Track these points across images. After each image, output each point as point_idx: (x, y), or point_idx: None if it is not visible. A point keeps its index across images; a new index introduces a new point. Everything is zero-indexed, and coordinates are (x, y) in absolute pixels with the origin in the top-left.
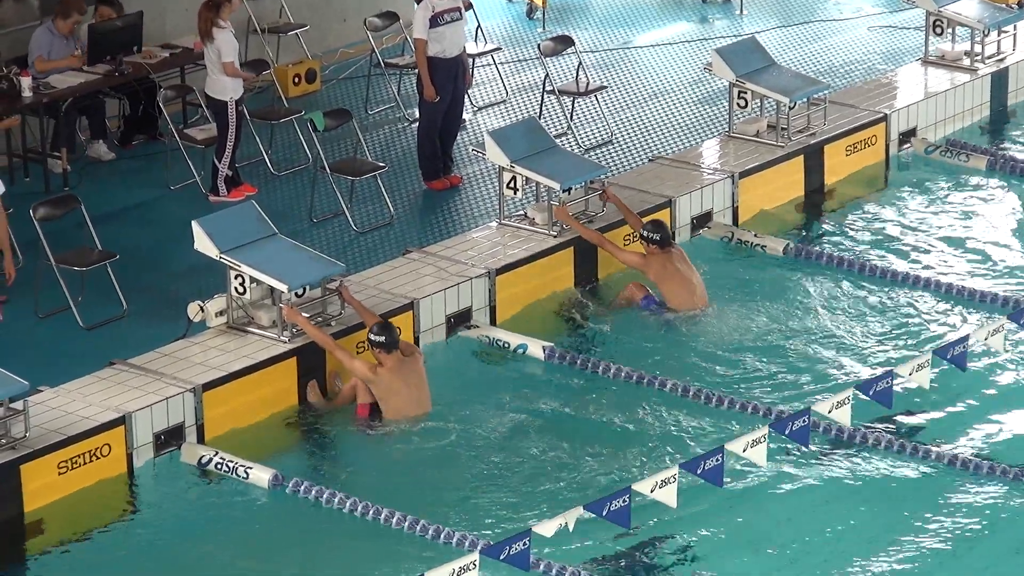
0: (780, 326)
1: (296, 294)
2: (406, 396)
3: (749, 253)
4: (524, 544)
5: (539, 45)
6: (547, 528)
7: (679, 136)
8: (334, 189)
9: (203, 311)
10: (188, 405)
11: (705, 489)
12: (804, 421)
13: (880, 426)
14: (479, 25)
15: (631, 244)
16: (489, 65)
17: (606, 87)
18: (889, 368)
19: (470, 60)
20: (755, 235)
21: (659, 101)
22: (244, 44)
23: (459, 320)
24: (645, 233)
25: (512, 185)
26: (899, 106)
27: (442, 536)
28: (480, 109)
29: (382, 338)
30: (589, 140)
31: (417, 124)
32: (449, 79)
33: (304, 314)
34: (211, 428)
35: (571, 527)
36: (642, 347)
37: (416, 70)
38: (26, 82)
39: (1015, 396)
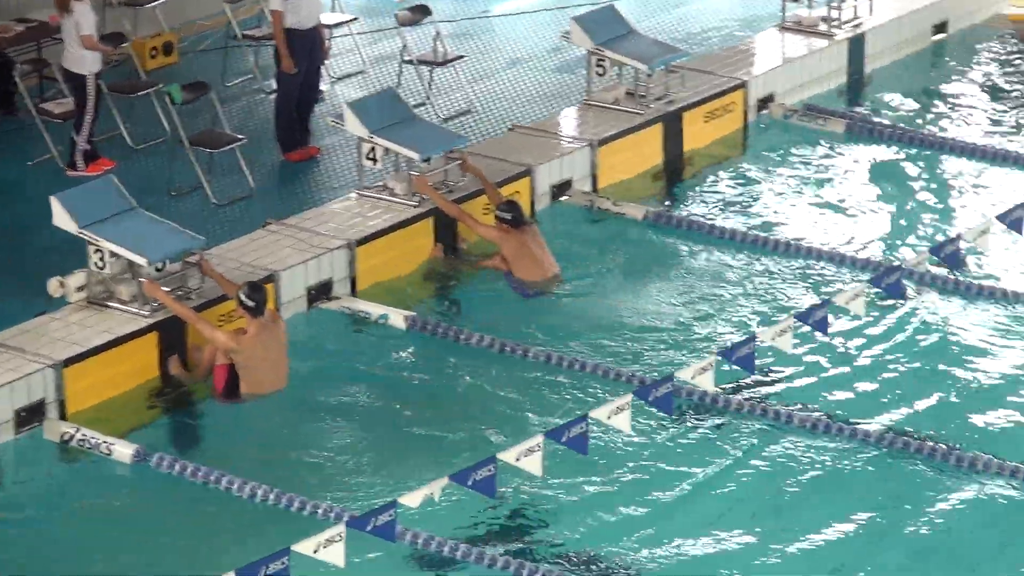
0: (641, 293)
1: (156, 268)
2: (266, 368)
3: (609, 220)
4: (390, 515)
5: (396, 15)
6: (413, 499)
7: (538, 105)
8: (193, 162)
9: (63, 286)
10: (49, 381)
11: (569, 456)
12: (667, 387)
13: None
14: None
15: (488, 215)
16: (346, 36)
17: (464, 56)
18: (751, 333)
19: (327, 31)
20: (615, 203)
21: (517, 70)
22: (101, 17)
23: (320, 292)
24: (499, 213)
25: (371, 156)
26: (757, 72)
27: (307, 508)
28: (338, 80)
29: (252, 302)
30: (448, 110)
31: (275, 96)
32: (306, 50)
33: (165, 288)
34: (73, 404)
35: (437, 497)
36: (504, 316)
37: (273, 42)
38: None
39: (876, 359)
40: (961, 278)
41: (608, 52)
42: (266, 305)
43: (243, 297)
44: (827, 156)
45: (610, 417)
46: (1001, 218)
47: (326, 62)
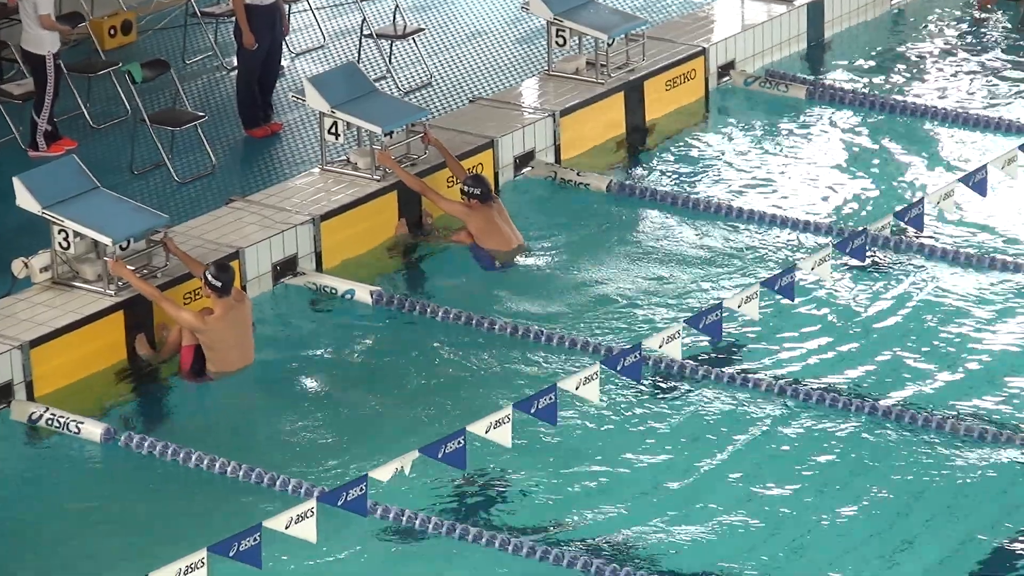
0: (607, 264)
1: (120, 247)
2: (232, 347)
3: (573, 191)
4: (361, 490)
5: None
6: (383, 473)
7: (498, 76)
8: (154, 140)
9: (27, 267)
10: (16, 362)
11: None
12: (635, 356)
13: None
14: None
15: (452, 188)
16: (305, 11)
17: (423, 29)
18: (718, 301)
19: (286, 6)
20: (578, 173)
21: (477, 42)
22: None
23: (285, 268)
24: (466, 188)
25: (333, 131)
26: (717, 39)
27: (278, 484)
28: (298, 55)
29: (220, 282)
30: (408, 83)
31: (236, 73)
32: (267, 26)
33: (129, 267)
34: (40, 385)
35: (408, 471)
36: (470, 289)
37: (232, 18)
38: None
39: (843, 323)
40: (933, 242)
41: (568, 22)
42: (232, 285)
43: (209, 278)
44: (789, 122)
45: (579, 387)
46: (964, 180)
47: (286, 38)
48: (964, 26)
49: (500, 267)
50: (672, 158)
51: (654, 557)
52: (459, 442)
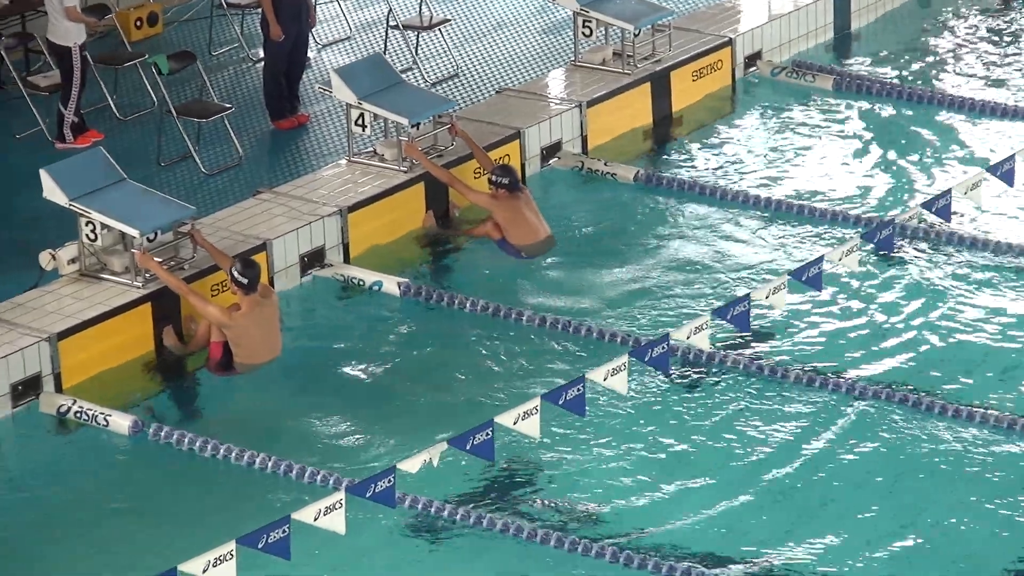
0: (635, 254)
1: (148, 239)
2: (259, 341)
3: (600, 182)
4: (389, 481)
5: None
6: (412, 464)
7: (525, 67)
8: (181, 132)
9: (55, 259)
10: (44, 354)
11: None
12: (663, 348)
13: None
14: None
15: (479, 179)
16: (332, 2)
17: (449, 20)
18: (746, 292)
19: None
20: (605, 163)
21: (503, 32)
22: None
23: (313, 259)
24: (494, 178)
25: (360, 122)
26: (743, 29)
27: (307, 476)
28: (324, 47)
29: (246, 279)
30: (435, 74)
31: (262, 64)
32: (293, 18)
33: (157, 259)
34: (68, 377)
35: (436, 463)
36: (498, 280)
37: (258, 9)
38: None
39: (874, 315)
40: (956, 231)
41: (594, 13)
42: (259, 281)
43: (236, 274)
44: (816, 112)
45: (607, 378)
46: (992, 170)
47: (312, 29)
48: (991, 14)
49: (526, 258)
50: (699, 148)
51: (681, 544)
52: (487, 433)
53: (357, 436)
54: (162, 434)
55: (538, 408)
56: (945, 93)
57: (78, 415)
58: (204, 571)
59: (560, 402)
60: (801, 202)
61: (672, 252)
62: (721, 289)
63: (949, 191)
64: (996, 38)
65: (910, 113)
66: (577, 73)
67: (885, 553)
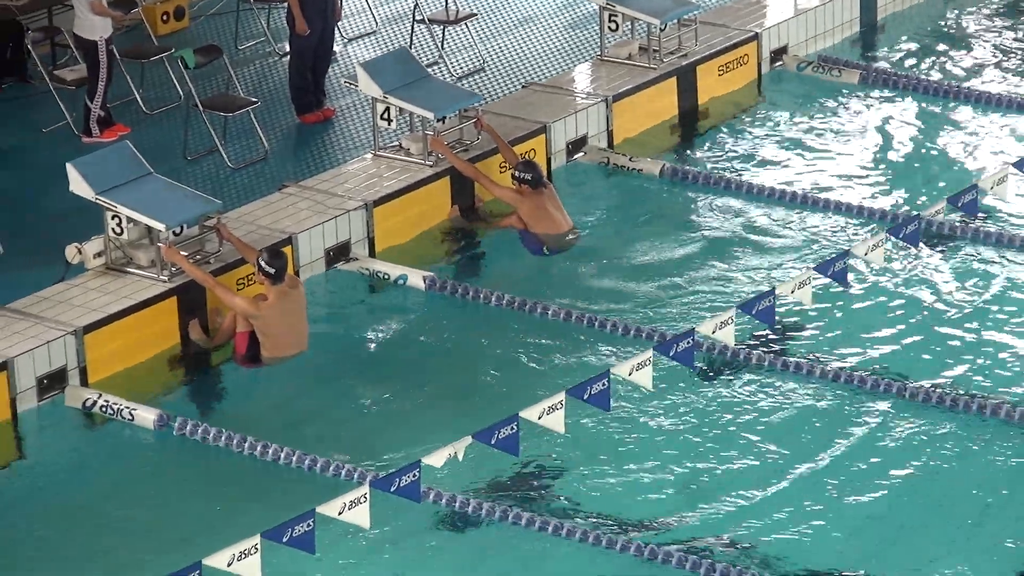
0: (660, 249)
1: (174, 233)
2: (286, 333)
3: (626, 176)
4: (414, 476)
5: None
6: (436, 459)
7: (551, 61)
8: (207, 126)
9: (81, 253)
10: (70, 348)
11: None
12: (688, 343)
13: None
14: None
15: (504, 174)
16: None
17: (476, 15)
18: (771, 287)
19: None
20: (631, 158)
21: (529, 27)
22: None
23: (338, 253)
24: (517, 173)
25: (386, 116)
26: (769, 24)
27: (331, 469)
28: (350, 40)
29: (273, 269)
30: (461, 68)
31: (288, 58)
32: (319, 12)
33: (183, 252)
34: (94, 371)
35: (460, 457)
36: (523, 274)
37: (284, 4)
38: None
39: (897, 310)
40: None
41: (620, 7)
42: (286, 271)
43: (263, 264)
44: (842, 107)
45: (631, 373)
46: (1018, 165)
47: (338, 23)
48: (1018, 9)
49: (549, 253)
50: (724, 143)
51: (707, 539)
52: (512, 428)
53: (382, 430)
54: (187, 428)
55: (563, 403)
56: (971, 88)
57: (103, 409)
58: (229, 565)
59: (585, 397)
60: (827, 196)
61: (697, 247)
62: (746, 283)
63: (975, 186)
64: (1022, 32)
65: (936, 108)
66: (603, 67)
67: (921, 550)
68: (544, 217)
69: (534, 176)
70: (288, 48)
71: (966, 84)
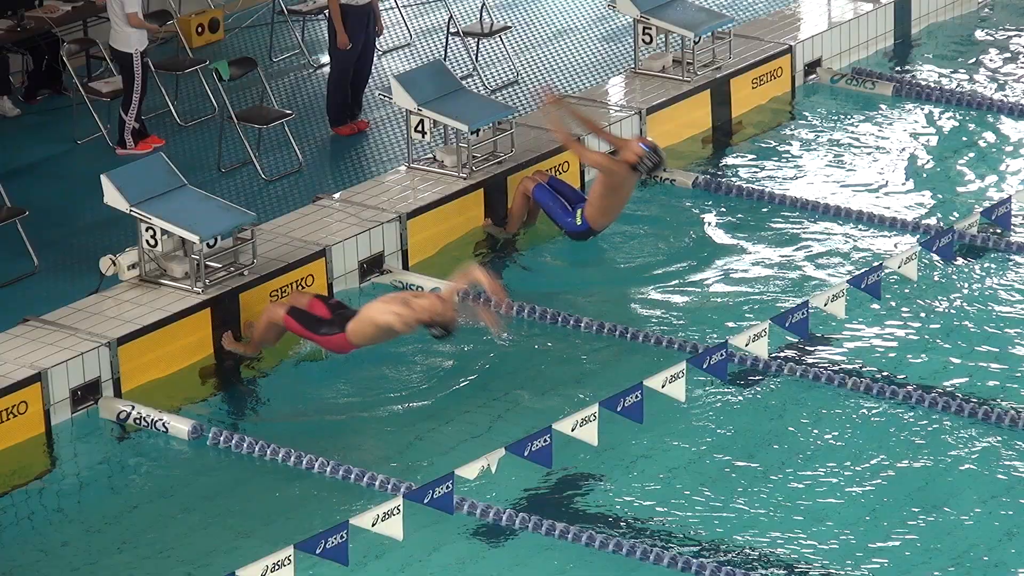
0: (692, 260)
1: (208, 245)
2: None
3: (659, 187)
4: (448, 487)
5: None
6: (470, 471)
7: (585, 74)
8: (242, 138)
9: (115, 265)
10: (104, 359)
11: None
12: (722, 355)
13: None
14: None
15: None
16: (392, 9)
17: (510, 27)
18: (804, 299)
19: (380, 4)
20: (664, 169)
21: (564, 40)
22: None
23: (372, 265)
24: (643, 148)
25: (420, 128)
26: (803, 37)
27: (365, 480)
28: (384, 53)
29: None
30: (495, 81)
31: (328, 72)
32: (361, 26)
33: (214, 264)
34: (128, 382)
35: (494, 469)
36: (556, 285)
37: (319, 16)
38: None
39: (931, 322)
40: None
41: (654, 20)
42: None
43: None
44: (875, 120)
45: (665, 385)
46: None
47: (379, 37)
48: None
49: (578, 228)
50: (758, 155)
51: (740, 551)
52: (545, 440)
53: (414, 441)
54: (221, 438)
55: (596, 415)
56: (1005, 100)
57: (137, 420)
58: None
59: (618, 409)
60: (860, 209)
61: (730, 258)
62: (779, 295)
63: (1009, 199)
64: None
65: (970, 120)
66: (637, 80)
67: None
68: (615, 198)
69: (656, 162)
70: (323, 60)
71: (999, 96)
